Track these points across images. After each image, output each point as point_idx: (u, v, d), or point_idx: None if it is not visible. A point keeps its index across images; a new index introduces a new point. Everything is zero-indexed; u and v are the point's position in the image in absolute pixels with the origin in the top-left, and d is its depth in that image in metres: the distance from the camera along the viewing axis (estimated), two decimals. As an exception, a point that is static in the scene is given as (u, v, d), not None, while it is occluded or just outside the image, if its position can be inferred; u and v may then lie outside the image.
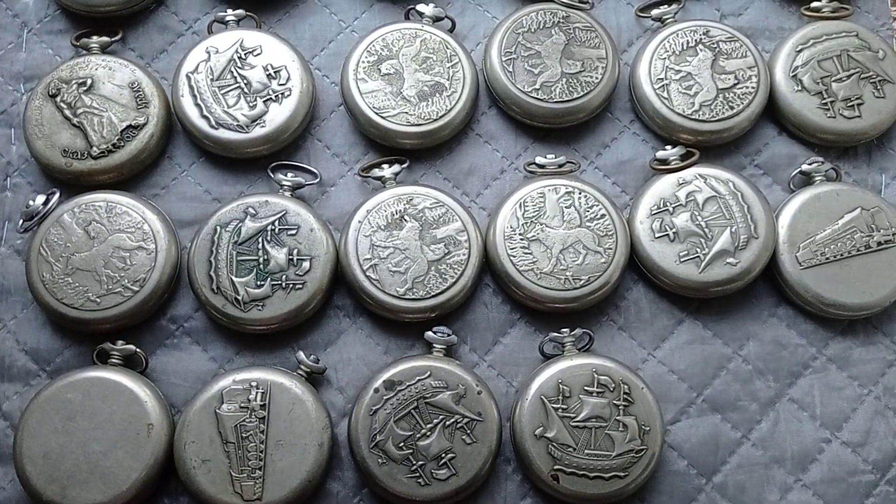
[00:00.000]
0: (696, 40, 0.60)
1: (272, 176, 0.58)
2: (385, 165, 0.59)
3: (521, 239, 0.56)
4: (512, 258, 0.56)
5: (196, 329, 0.57)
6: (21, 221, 0.57)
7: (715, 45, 0.60)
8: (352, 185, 0.60)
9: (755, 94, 0.59)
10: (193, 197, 0.59)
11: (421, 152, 0.60)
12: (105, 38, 0.60)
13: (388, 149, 0.60)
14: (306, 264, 0.55)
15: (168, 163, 0.60)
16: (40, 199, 0.56)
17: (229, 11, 0.61)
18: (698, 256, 0.56)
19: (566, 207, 0.57)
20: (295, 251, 0.55)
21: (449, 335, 0.55)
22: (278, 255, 0.55)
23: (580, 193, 0.57)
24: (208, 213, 0.58)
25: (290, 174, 0.58)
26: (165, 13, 0.63)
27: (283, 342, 0.57)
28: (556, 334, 0.55)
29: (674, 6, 0.62)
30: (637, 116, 0.61)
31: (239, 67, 0.59)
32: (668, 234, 0.57)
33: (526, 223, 0.57)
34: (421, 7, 0.61)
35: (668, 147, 0.59)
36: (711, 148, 0.60)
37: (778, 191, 0.60)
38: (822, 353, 0.57)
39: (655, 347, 0.57)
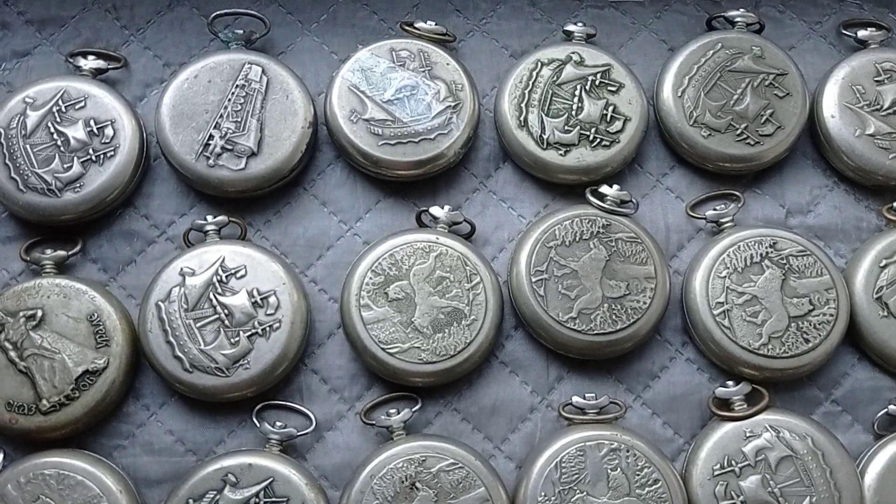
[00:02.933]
0: (761, 254, 0.51)
1: (258, 425, 0.49)
2: (392, 410, 0.49)
3: (558, 511, 0.47)
4: (547, 537, 0.46)
5: None
6: (-44, 488, 0.47)
7: (784, 261, 0.51)
8: (353, 428, 0.50)
9: (833, 324, 0.50)
10: (163, 449, 0.49)
11: (436, 387, 0.50)
12: (61, 252, 0.50)
13: (396, 384, 0.50)
14: (298, 549, 0.46)
15: (134, 404, 0.50)
16: (-19, 461, 0.47)
17: (209, 219, 0.51)
18: (772, 535, 0.47)
19: (611, 470, 0.47)
20: (284, 531, 0.46)
21: None
22: (264, 536, 0.46)
23: (628, 451, 0.48)
24: (180, 470, 0.48)
25: (278, 423, 0.49)
26: (134, 216, 0.53)
27: None
28: None
29: (731, 206, 0.53)
30: (691, 339, 0.52)
31: (219, 294, 0.49)
32: (734, 504, 0.47)
33: (563, 490, 0.47)
34: (434, 210, 0.52)
35: (730, 383, 0.50)
36: (782, 382, 0.51)
37: (860, 433, 0.51)
38: None
39: None
